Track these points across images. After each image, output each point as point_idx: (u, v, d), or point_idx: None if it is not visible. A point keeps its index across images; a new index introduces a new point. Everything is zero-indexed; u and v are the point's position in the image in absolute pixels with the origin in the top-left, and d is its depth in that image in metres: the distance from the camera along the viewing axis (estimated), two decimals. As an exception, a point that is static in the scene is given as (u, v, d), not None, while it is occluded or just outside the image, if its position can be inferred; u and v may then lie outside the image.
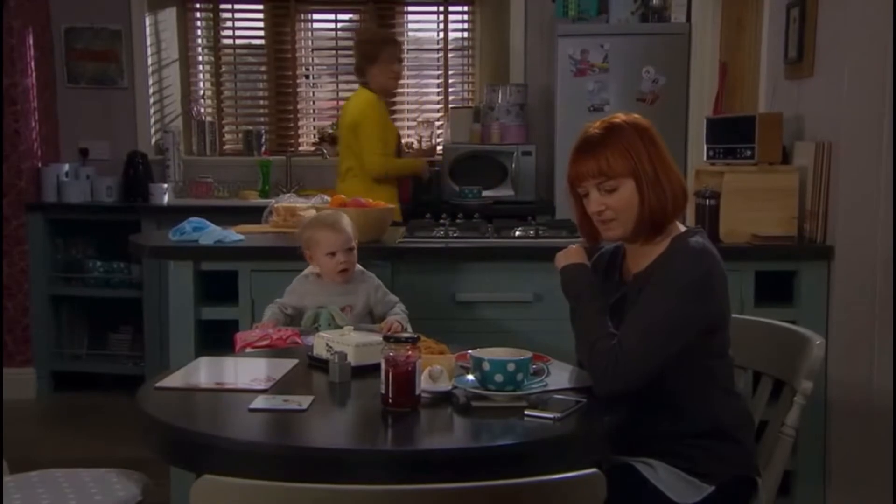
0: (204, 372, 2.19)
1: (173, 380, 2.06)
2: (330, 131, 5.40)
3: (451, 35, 5.69)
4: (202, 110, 5.67)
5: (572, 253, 2.13)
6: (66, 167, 5.10)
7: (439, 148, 5.22)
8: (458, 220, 3.53)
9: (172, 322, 3.18)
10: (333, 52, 5.71)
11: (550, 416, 1.78)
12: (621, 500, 1.65)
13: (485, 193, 4.98)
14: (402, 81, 5.61)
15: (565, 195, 2.15)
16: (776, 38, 3.57)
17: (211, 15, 5.71)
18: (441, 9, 5.67)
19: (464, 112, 5.36)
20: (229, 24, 5.74)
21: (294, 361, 2.20)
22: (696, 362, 2.00)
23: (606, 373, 1.90)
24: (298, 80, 5.72)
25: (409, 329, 2.56)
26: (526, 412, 1.80)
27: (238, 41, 5.78)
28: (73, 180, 5.07)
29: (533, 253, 3.14)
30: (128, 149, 5.27)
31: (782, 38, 3.46)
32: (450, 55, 5.70)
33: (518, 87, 5.20)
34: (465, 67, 5.74)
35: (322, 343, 2.17)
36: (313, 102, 5.79)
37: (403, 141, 5.44)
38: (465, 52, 5.72)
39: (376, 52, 4.34)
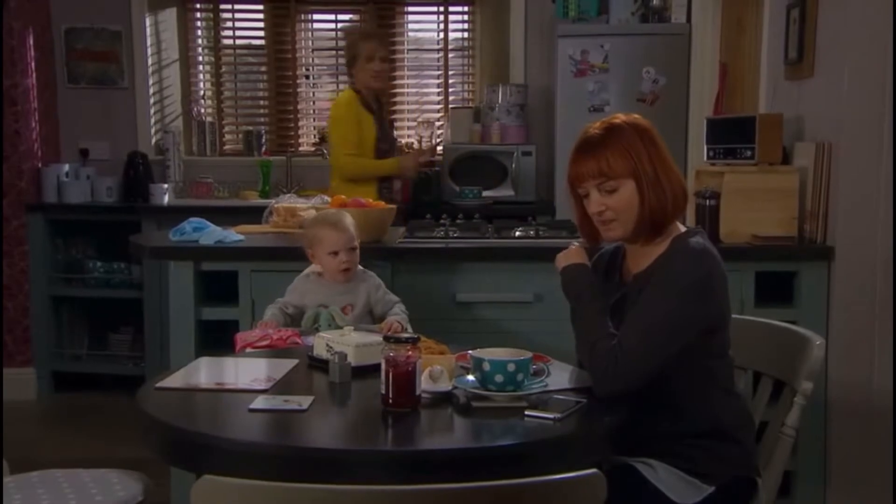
0: (204, 372, 2.19)
1: (173, 380, 2.06)
2: (330, 132, 5.40)
3: (452, 35, 5.69)
4: (202, 110, 5.67)
5: (572, 253, 2.13)
6: (67, 167, 5.10)
7: (439, 148, 5.21)
8: (458, 221, 3.53)
9: (173, 322, 3.18)
10: (333, 52, 5.70)
11: (551, 416, 1.78)
12: (621, 501, 1.65)
13: (485, 194, 4.98)
14: (403, 81, 5.65)
15: (565, 195, 2.15)
16: (776, 38, 3.57)
17: (211, 15, 5.71)
18: (441, 9, 5.67)
19: (464, 112, 5.36)
20: (229, 24, 5.74)
21: (294, 362, 2.20)
22: (697, 363, 2.00)
23: (607, 373, 1.91)
24: (298, 81, 5.72)
25: (410, 329, 2.56)
26: (526, 412, 1.80)
27: (238, 41, 5.78)
28: (74, 181, 5.08)
29: (533, 253, 3.14)
30: (128, 149, 5.27)
31: (782, 39, 3.46)
32: (450, 55, 5.70)
33: (518, 88, 5.20)
34: (466, 68, 5.74)
35: (322, 343, 2.17)
36: (313, 103, 5.79)
37: (403, 141, 5.45)
38: (466, 53, 5.72)
39: (354, 52, 4.27)
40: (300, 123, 5.75)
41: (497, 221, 3.56)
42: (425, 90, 5.76)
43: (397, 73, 5.68)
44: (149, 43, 5.39)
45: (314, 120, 5.78)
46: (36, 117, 5.04)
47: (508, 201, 4.99)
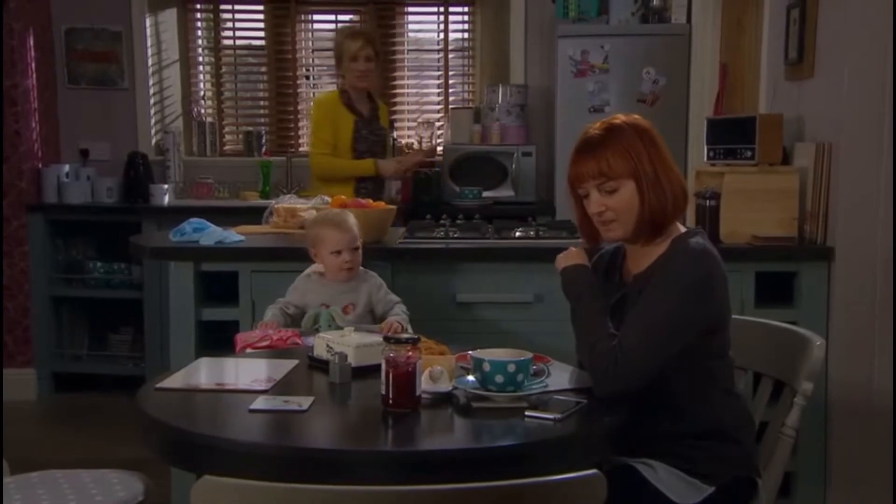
0: (204, 373, 2.19)
1: (174, 380, 2.06)
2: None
3: (452, 36, 5.69)
4: (202, 111, 5.67)
5: (572, 254, 2.13)
6: (67, 168, 5.10)
7: (440, 149, 5.21)
8: (458, 221, 3.53)
9: (173, 323, 3.19)
10: (333, 52, 5.69)
11: (551, 416, 1.78)
12: (621, 501, 1.65)
13: (485, 194, 4.98)
14: (403, 81, 5.65)
15: (565, 196, 2.16)
16: (776, 38, 3.57)
17: (211, 16, 5.71)
18: (441, 9, 5.67)
19: (464, 113, 5.36)
20: (229, 24, 5.74)
21: (294, 362, 2.20)
22: (697, 363, 2.00)
23: (607, 373, 1.91)
24: (299, 81, 5.72)
25: (410, 330, 2.56)
26: (526, 413, 1.80)
27: (238, 42, 5.78)
28: (74, 181, 5.08)
29: (533, 254, 3.14)
30: (128, 149, 5.27)
31: (782, 39, 3.47)
32: (450, 56, 5.70)
33: (518, 88, 5.20)
34: (466, 68, 5.74)
35: (322, 344, 2.17)
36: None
37: (403, 141, 5.45)
38: (466, 53, 5.72)
39: (340, 51, 4.23)
40: (300, 124, 5.74)
41: (497, 222, 3.56)
42: (425, 90, 5.76)
43: (397, 74, 5.68)
44: (149, 43, 5.39)
45: (314, 120, 5.77)
46: (36, 118, 5.04)
47: (508, 202, 4.99)
